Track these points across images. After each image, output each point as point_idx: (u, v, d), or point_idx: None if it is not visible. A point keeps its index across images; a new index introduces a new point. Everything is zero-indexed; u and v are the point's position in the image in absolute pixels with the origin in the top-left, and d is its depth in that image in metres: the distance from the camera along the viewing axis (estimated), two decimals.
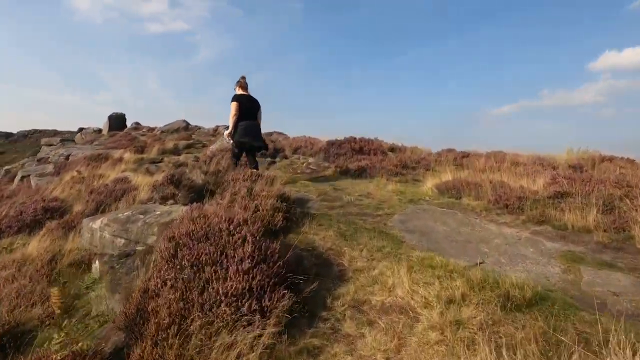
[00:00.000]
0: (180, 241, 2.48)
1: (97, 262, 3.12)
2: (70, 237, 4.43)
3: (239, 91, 5.61)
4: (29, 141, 54.53)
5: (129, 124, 28.22)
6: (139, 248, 3.33)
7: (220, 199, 4.02)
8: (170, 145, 12.23)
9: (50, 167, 11.90)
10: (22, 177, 12.35)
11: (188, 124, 24.32)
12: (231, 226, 2.53)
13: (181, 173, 4.81)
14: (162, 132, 22.33)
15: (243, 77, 5.73)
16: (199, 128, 25.08)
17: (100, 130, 25.98)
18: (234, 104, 5.36)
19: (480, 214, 4.59)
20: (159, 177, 7.08)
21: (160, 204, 4.61)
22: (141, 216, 4.06)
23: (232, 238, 2.42)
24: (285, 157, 9.57)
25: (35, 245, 4.38)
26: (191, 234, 2.53)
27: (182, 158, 10.28)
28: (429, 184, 6.18)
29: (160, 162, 10.47)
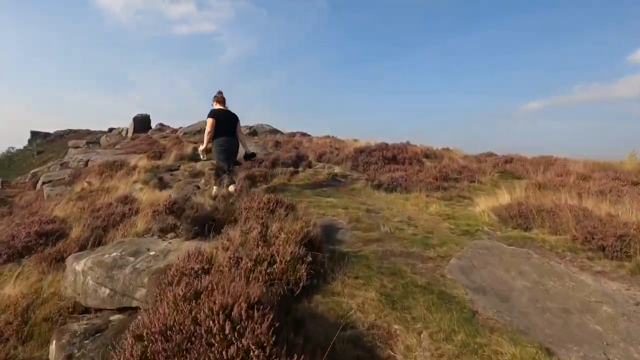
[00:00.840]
0: (150, 348, 1.57)
1: (53, 342, 2.29)
2: (50, 279, 3.66)
3: (217, 106, 5.48)
4: (64, 141, 56.50)
5: (156, 124, 28.16)
6: (113, 319, 2.48)
7: (227, 240, 3.11)
8: (188, 150, 11.54)
9: (68, 174, 11.49)
10: (44, 183, 12.03)
11: None
12: (228, 324, 1.59)
13: (184, 199, 3.94)
14: (185, 133, 21.90)
15: (220, 92, 5.59)
16: None
17: (128, 131, 25.96)
18: (210, 120, 5.30)
19: (564, 257, 3.46)
20: (169, 192, 6.31)
21: (159, 237, 3.77)
22: (131, 259, 3.21)
23: (229, 351, 1.48)
24: (309, 166, 8.63)
25: (12, 286, 3.65)
26: (167, 332, 1.62)
27: (199, 165, 9.52)
28: (482, 205, 5.06)
29: (177, 169, 9.78)
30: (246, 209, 3.74)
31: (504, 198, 5.04)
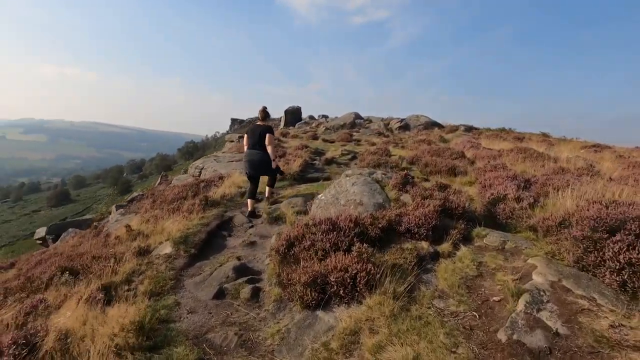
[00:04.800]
0: None
1: None
2: None
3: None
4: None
5: (306, 116, 26.98)
6: None
7: None
8: (295, 165, 8.30)
9: (183, 180, 10.13)
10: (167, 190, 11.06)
11: (356, 118, 20.46)
12: None
13: None
14: (327, 128, 19.27)
15: (260, 110, 6.03)
16: (370, 122, 20.84)
17: (280, 124, 25.51)
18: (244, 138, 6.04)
19: None
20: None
21: None
22: None
23: None
24: (466, 237, 3.90)
25: None
26: None
27: (285, 205, 6.08)
28: None
29: (261, 200, 6.65)
30: None
31: None
